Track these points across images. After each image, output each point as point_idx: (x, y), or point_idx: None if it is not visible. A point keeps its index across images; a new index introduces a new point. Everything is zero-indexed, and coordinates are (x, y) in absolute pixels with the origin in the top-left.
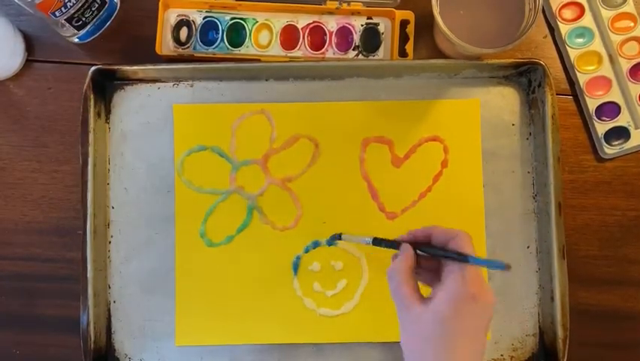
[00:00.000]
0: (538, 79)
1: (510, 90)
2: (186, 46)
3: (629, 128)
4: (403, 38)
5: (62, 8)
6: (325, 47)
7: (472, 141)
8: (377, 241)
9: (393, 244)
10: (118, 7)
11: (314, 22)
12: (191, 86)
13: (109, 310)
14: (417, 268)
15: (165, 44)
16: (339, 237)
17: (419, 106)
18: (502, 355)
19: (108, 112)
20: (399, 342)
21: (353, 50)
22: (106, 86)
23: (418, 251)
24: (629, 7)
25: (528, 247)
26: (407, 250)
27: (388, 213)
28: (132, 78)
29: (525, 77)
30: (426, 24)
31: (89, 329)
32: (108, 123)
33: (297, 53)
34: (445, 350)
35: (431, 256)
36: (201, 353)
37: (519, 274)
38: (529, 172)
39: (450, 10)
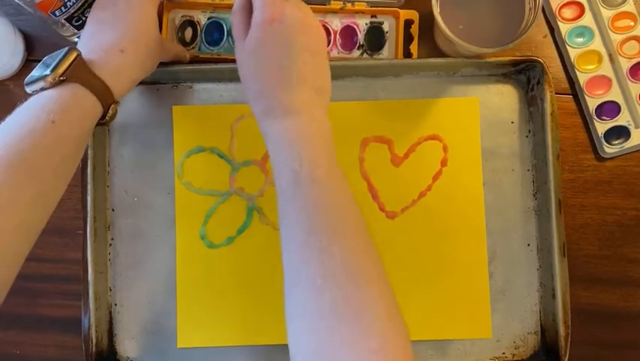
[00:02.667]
0: (537, 76)
1: (509, 88)
2: (191, 46)
3: (629, 127)
4: (407, 38)
5: (62, 8)
6: (329, 46)
7: (472, 139)
8: None
9: None
10: None
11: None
12: (191, 87)
13: (110, 312)
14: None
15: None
16: None
17: (418, 105)
18: (503, 353)
19: None
20: None
21: (357, 49)
22: None
23: None
24: (629, 7)
25: (528, 245)
26: None
27: (388, 212)
28: None
29: (524, 74)
30: (426, 24)
31: (91, 332)
32: (107, 125)
33: None
34: (258, 79)
35: None
36: (203, 355)
37: (520, 273)
38: (528, 170)
39: (450, 10)
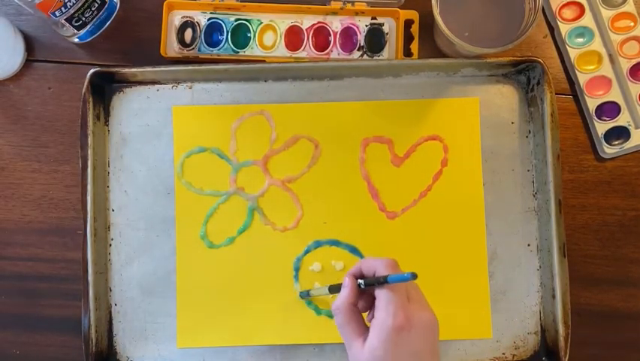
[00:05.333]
0: (537, 77)
1: (509, 88)
2: (191, 47)
3: (629, 127)
4: (407, 38)
5: (62, 8)
6: (330, 47)
7: (472, 139)
8: (332, 289)
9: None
10: (118, 7)
11: (318, 22)
12: (190, 87)
13: (110, 313)
14: (361, 303)
15: (170, 46)
16: (307, 294)
17: (418, 105)
18: (503, 353)
19: (107, 115)
20: None
21: (358, 50)
22: (105, 88)
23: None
24: (629, 7)
25: (529, 245)
26: (347, 284)
27: (389, 212)
28: (131, 80)
29: (524, 75)
30: (426, 24)
31: (91, 332)
32: (107, 126)
33: (301, 53)
34: None
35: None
36: (203, 355)
37: (520, 273)
38: (528, 170)
39: (450, 10)
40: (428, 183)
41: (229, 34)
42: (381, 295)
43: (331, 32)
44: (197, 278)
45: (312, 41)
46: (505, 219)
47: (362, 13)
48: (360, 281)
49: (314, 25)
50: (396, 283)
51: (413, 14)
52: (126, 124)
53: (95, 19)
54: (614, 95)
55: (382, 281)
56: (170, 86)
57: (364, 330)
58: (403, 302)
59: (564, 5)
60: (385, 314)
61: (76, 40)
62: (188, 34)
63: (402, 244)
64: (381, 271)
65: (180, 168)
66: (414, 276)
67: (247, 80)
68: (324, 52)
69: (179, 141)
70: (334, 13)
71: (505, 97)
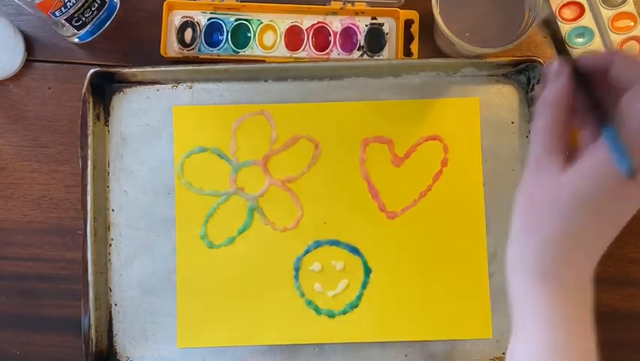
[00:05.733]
0: (537, 76)
1: (509, 88)
2: (191, 47)
3: None
4: (408, 38)
5: (62, 8)
6: (330, 47)
7: (472, 139)
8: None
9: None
10: (118, 7)
11: (318, 22)
12: (190, 87)
13: (110, 313)
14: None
15: (170, 46)
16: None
17: (418, 105)
18: (503, 353)
19: (107, 115)
20: (400, 341)
21: (358, 50)
22: (105, 88)
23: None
24: (629, 7)
25: None
26: (563, 72)
27: (389, 212)
28: (131, 80)
29: (524, 74)
30: (426, 24)
31: (91, 332)
32: (107, 126)
33: (301, 53)
34: (570, 233)
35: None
36: (203, 355)
37: None
38: None
39: (450, 10)
40: (428, 183)
41: (229, 34)
42: (628, 106)
43: (331, 32)
44: (197, 278)
45: (312, 41)
46: (505, 220)
47: (362, 13)
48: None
49: (314, 25)
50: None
51: (413, 14)
52: (126, 124)
53: (95, 19)
54: None
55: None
56: (170, 86)
57: (564, 148)
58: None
59: (564, 5)
60: (608, 154)
61: (76, 40)
62: (188, 34)
63: (402, 244)
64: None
65: (180, 168)
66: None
67: (247, 80)
68: (324, 52)
69: (179, 141)
70: (334, 13)
71: (505, 97)
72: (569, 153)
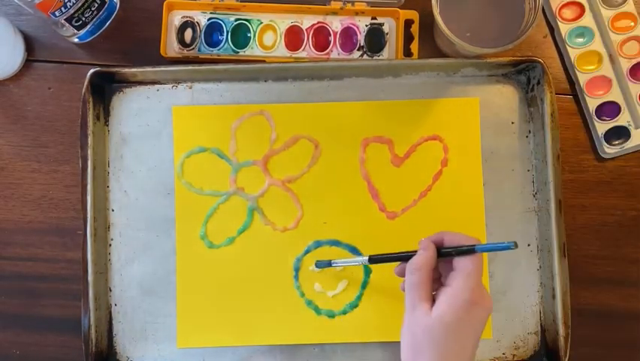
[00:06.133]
0: (537, 76)
1: (509, 88)
2: (191, 47)
3: (629, 127)
4: (408, 38)
5: (62, 8)
6: (330, 47)
7: (472, 139)
8: (374, 259)
9: (393, 256)
10: (117, 7)
11: (318, 22)
12: (190, 87)
13: (110, 313)
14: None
15: (170, 46)
16: (328, 264)
17: (418, 105)
18: (504, 353)
19: (107, 115)
20: (400, 342)
21: (357, 50)
22: (105, 88)
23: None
24: (629, 7)
25: (529, 245)
26: (426, 247)
27: (389, 212)
28: (131, 80)
29: (524, 74)
30: (426, 24)
31: (91, 332)
32: (107, 126)
33: (301, 53)
34: (442, 353)
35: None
36: (203, 355)
37: (520, 273)
38: (528, 170)
39: (450, 10)
40: (428, 183)
41: (229, 34)
42: (462, 264)
43: (331, 32)
44: (197, 278)
45: (312, 41)
46: (505, 220)
47: (362, 13)
48: (444, 249)
49: (314, 25)
50: (478, 256)
51: (413, 14)
52: (126, 124)
53: (95, 19)
54: (614, 95)
55: (466, 251)
56: (170, 86)
57: (430, 296)
58: (479, 278)
59: (564, 5)
60: (463, 284)
61: (76, 40)
62: (188, 34)
63: (402, 244)
64: (465, 242)
65: (180, 168)
66: (516, 245)
67: (247, 80)
68: (324, 52)
69: (179, 141)
70: (334, 13)
71: (505, 97)
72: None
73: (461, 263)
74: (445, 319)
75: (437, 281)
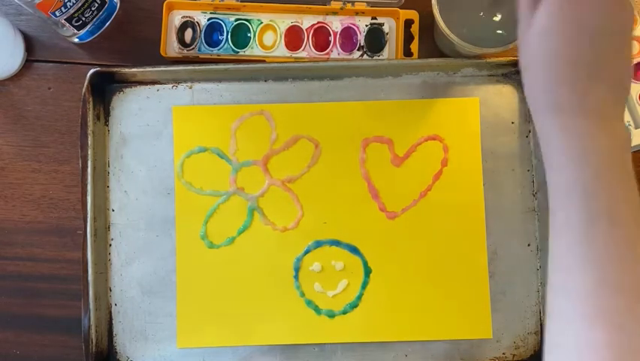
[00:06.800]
0: None
1: (509, 88)
2: (191, 47)
3: (629, 127)
4: (408, 38)
5: (62, 8)
6: (330, 47)
7: (472, 139)
8: None
9: None
10: (118, 7)
11: (318, 22)
12: (190, 87)
13: (110, 313)
14: None
15: (170, 46)
16: None
17: (418, 105)
18: (503, 353)
19: (107, 115)
20: (400, 342)
21: (358, 50)
22: (105, 88)
23: None
24: None
25: (529, 245)
26: None
27: (389, 212)
28: (131, 80)
29: None
30: (426, 24)
31: (91, 332)
32: (107, 126)
33: (301, 53)
34: (556, 60)
35: None
36: (203, 355)
37: (520, 273)
38: (529, 170)
39: (450, 10)
40: (428, 183)
41: (229, 34)
42: None
43: (331, 32)
44: (197, 278)
45: (312, 41)
46: (505, 219)
47: (362, 13)
48: None
49: (314, 25)
50: None
51: (413, 14)
52: (126, 124)
53: (95, 19)
54: None
55: None
56: (170, 86)
57: None
58: None
59: None
60: None
61: (77, 40)
62: (188, 34)
63: (402, 244)
64: None
65: (180, 168)
66: None
67: (247, 80)
68: (324, 52)
69: (179, 141)
70: (334, 13)
71: (505, 97)
72: None
73: None
74: (541, 24)
75: None
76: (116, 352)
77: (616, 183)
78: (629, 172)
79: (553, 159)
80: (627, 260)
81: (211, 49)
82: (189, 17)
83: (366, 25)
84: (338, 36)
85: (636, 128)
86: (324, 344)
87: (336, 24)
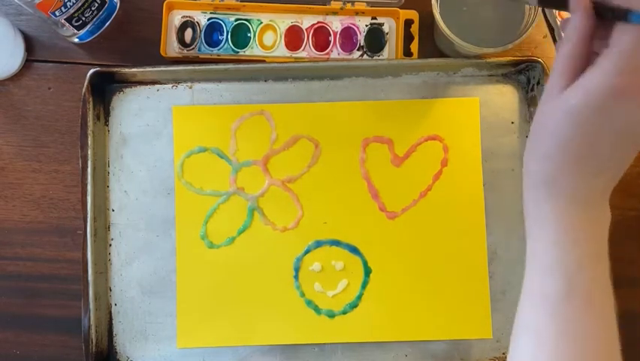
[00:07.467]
0: (537, 76)
1: (509, 88)
2: (191, 47)
3: None
4: (407, 38)
5: (62, 8)
6: (330, 47)
7: (472, 139)
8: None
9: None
10: (118, 7)
11: (318, 22)
12: (190, 87)
13: (110, 313)
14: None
15: (170, 46)
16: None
17: (418, 105)
18: (503, 353)
19: (107, 115)
20: (400, 342)
21: (358, 50)
22: (105, 88)
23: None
24: None
25: None
26: (587, 6)
27: (389, 212)
28: (131, 80)
29: (524, 74)
30: (426, 24)
31: (91, 332)
32: (107, 126)
33: (301, 53)
34: (561, 145)
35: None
36: (203, 355)
37: (520, 273)
38: None
39: (450, 10)
40: (428, 183)
41: (229, 34)
42: (618, 35)
43: (331, 32)
44: (197, 278)
45: (312, 41)
46: (505, 219)
47: (362, 13)
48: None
49: (314, 25)
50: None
51: (413, 14)
52: (126, 124)
53: (94, 19)
54: None
55: (620, 15)
56: (170, 86)
57: (574, 76)
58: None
59: None
60: (610, 65)
61: (76, 40)
62: (188, 34)
63: (402, 244)
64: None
65: (180, 168)
66: None
67: (247, 80)
68: (324, 52)
69: (179, 141)
70: (334, 13)
71: (505, 97)
72: None
73: (616, 35)
74: (570, 103)
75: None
76: (116, 352)
77: (595, 266)
78: (605, 251)
79: (539, 234)
80: (595, 340)
81: (211, 49)
82: (189, 17)
83: (366, 25)
84: (338, 36)
85: None
86: (324, 344)
87: (336, 24)
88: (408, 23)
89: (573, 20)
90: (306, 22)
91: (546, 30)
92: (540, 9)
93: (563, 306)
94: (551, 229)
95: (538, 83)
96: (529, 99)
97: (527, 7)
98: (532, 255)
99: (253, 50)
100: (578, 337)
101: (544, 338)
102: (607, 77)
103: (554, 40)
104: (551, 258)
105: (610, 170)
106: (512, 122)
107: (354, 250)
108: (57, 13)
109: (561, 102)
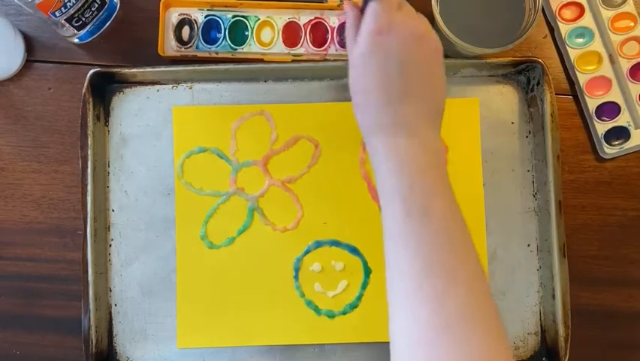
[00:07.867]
0: (537, 77)
1: (509, 89)
2: (189, 45)
3: (629, 128)
4: None
5: (62, 8)
6: (327, 43)
7: (472, 139)
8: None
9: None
10: (118, 7)
11: (316, 18)
12: (190, 88)
13: (110, 313)
14: None
15: (167, 44)
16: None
17: None
18: None
19: (107, 115)
20: None
21: None
22: (105, 88)
23: None
24: (629, 7)
25: (529, 246)
26: (352, 9)
27: None
28: (131, 81)
29: (524, 75)
30: None
31: (91, 333)
32: (107, 126)
33: (299, 50)
34: (370, 83)
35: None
36: (203, 355)
37: (520, 273)
38: (528, 171)
39: (450, 10)
40: None
41: (226, 31)
42: (369, 5)
43: (329, 28)
44: (197, 278)
45: (310, 37)
46: (505, 220)
47: None
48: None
49: (311, 21)
50: None
51: None
52: (126, 124)
53: (95, 20)
54: (614, 96)
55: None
56: (170, 86)
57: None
58: (388, 9)
59: (564, 5)
60: (369, 19)
61: (77, 40)
62: (185, 31)
63: None
64: None
65: (180, 169)
66: None
67: (247, 81)
68: (322, 48)
69: (179, 141)
70: (331, 9)
71: (505, 97)
72: None
73: (370, 3)
74: (361, 51)
75: None
76: (116, 352)
77: (429, 187)
78: (441, 177)
79: (378, 168)
80: (440, 246)
81: (209, 46)
82: (186, 15)
83: None
84: (335, 32)
85: (636, 128)
86: (324, 344)
87: (333, 20)
88: None
89: (349, 7)
90: (304, 18)
91: (546, 30)
92: (540, 9)
93: (405, 224)
94: (381, 158)
95: (538, 83)
96: (529, 100)
97: (527, 7)
98: (379, 188)
99: (251, 46)
100: (421, 248)
101: (401, 250)
102: (369, 25)
103: (554, 40)
104: (389, 186)
105: (416, 97)
106: (512, 123)
107: (354, 250)
108: (57, 14)
109: (356, 51)
